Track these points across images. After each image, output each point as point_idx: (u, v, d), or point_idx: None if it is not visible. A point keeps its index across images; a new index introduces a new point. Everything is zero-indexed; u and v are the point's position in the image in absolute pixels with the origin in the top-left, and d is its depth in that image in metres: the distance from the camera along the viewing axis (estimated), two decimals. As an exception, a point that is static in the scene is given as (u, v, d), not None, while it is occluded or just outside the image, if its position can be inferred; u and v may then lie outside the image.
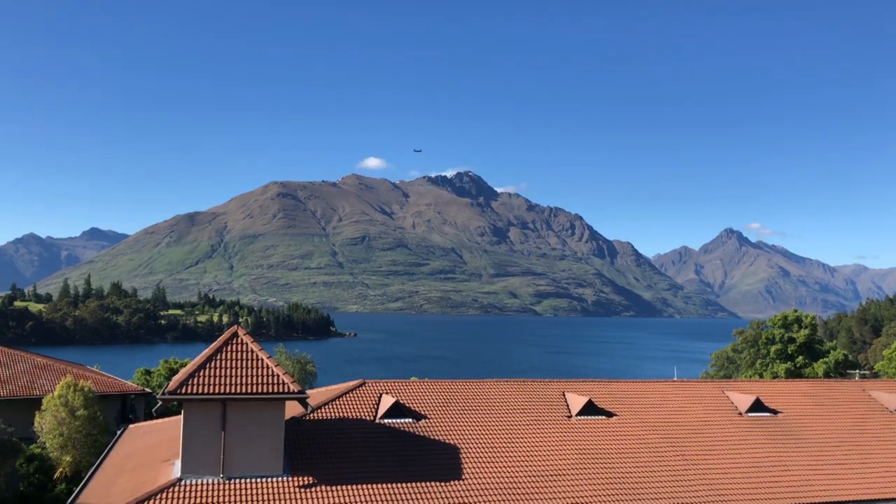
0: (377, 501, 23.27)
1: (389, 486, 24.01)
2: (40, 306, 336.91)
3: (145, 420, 46.62)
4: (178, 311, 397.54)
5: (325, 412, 28.08)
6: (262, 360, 24.27)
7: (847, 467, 28.98)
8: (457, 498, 24.02)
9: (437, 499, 23.83)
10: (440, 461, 25.84)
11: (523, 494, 24.68)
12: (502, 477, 25.43)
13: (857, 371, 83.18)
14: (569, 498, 24.83)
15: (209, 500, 22.22)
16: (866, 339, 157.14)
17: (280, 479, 23.39)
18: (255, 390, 23.26)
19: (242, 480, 23.05)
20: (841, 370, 77.26)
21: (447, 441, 27.24)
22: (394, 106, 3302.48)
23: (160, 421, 34.94)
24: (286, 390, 23.54)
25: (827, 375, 73.43)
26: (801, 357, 78.62)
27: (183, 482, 22.67)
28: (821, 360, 77.19)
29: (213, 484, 22.82)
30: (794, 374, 75.97)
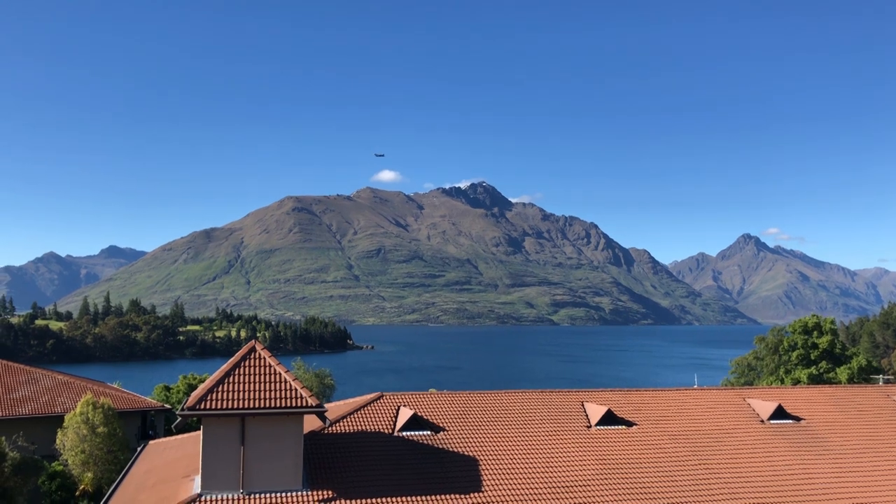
0: (397, 515, 23.19)
1: (409, 498, 23.99)
2: (61, 324, 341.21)
3: (165, 436, 46.88)
4: (197, 327, 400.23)
5: (344, 425, 28.10)
6: (280, 374, 24.38)
7: (872, 474, 28.55)
8: (477, 510, 23.88)
9: (457, 511, 23.71)
10: (459, 473, 25.77)
11: (544, 506, 24.46)
12: (522, 488, 25.30)
13: (881, 376, 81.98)
14: (590, 509, 24.62)
15: (229, 515, 22.26)
16: (889, 344, 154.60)
17: (299, 493, 23.42)
18: (273, 405, 23.35)
19: (262, 495, 23.11)
20: (864, 375, 76.22)
21: (466, 453, 27.16)
22: (407, 119, 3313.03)
23: (180, 437, 35.11)
24: (304, 404, 23.61)
25: (851, 381, 72.46)
26: (823, 363, 77.69)
27: (203, 498, 22.77)
28: (844, 366, 76.22)
29: (233, 499, 22.90)
30: (816, 379, 75.02)
